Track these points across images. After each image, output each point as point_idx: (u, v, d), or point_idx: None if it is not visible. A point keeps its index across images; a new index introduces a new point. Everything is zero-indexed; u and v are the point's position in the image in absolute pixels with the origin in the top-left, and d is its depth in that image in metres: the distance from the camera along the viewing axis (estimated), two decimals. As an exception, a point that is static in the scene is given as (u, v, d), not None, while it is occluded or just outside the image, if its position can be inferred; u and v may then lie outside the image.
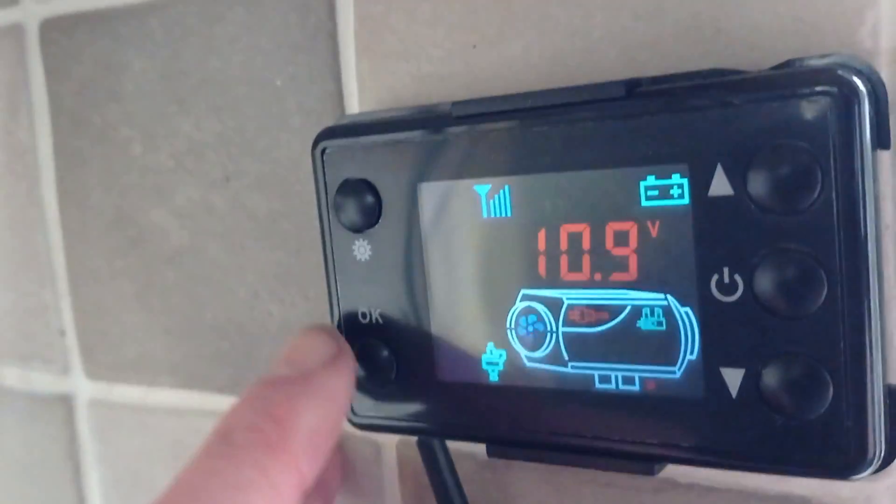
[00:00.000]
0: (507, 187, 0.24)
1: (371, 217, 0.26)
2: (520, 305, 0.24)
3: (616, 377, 0.23)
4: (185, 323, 0.35)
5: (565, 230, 0.23)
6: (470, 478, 0.29)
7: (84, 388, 0.40)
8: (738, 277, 0.21)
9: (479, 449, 0.29)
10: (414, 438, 0.30)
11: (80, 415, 0.40)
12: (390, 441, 0.31)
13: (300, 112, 0.31)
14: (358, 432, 0.31)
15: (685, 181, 0.21)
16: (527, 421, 0.25)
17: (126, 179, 0.36)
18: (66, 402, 0.41)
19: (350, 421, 0.28)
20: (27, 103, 0.39)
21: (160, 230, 0.35)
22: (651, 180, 0.22)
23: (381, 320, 0.27)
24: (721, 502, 0.25)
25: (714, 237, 0.21)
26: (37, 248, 0.40)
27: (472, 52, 0.27)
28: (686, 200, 0.21)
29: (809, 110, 0.20)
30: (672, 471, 0.25)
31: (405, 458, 0.31)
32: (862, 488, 0.23)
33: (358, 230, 0.27)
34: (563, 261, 0.23)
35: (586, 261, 0.23)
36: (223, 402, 0.35)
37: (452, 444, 0.28)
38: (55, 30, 0.37)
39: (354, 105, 0.29)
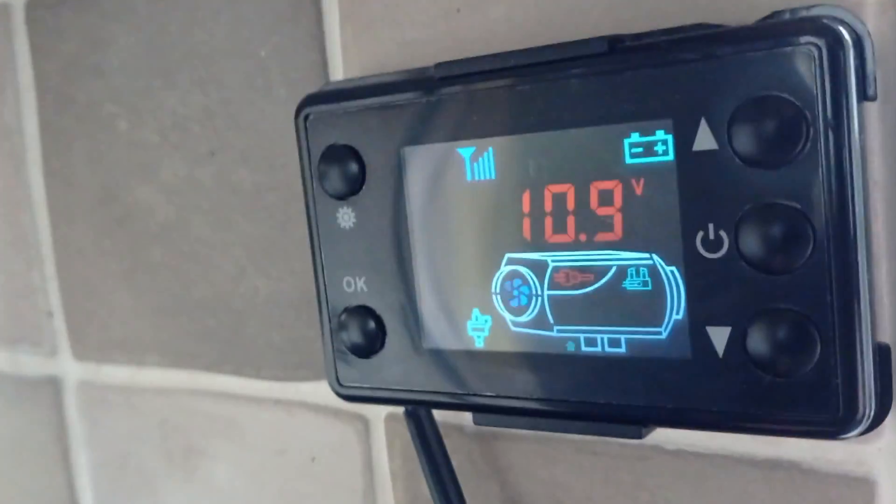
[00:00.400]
0: (490, 149, 0.24)
1: (355, 183, 0.26)
2: (505, 270, 0.24)
3: (602, 340, 0.23)
4: (172, 301, 0.35)
5: (549, 191, 0.23)
6: (458, 450, 0.29)
7: (72, 369, 0.39)
8: (723, 233, 0.20)
9: (467, 421, 0.29)
10: (402, 413, 0.29)
11: (68, 396, 0.40)
12: (378, 416, 0.31)
13: (285, 83, 0.30)
14: (346, 406, 0.31)
15: (669, 137, 0.21)
16: (513, 387, 0.24)
17: (112, 157, 0.35)
18: (54, 384, 0.40)
19: (336, 392, 0.28)
20: (13, 83, 0.38)
21: (146, 207, 0.35)
22: (635, 137, 0.21)
23: (366, 288, 0.26)
24: (709, 468, 0.25)
25: (699, 193, 0.21)
26: (24, 229, 0.39)
27: (455, 16, 0.26)
28: (671, 157, 0.21)
29: (794, 61, 0.19)
30: (659, 437, 0.25)
31: (393, 432, 0.31)
32: (853, 451, 0.22)
33: (342, 197, 0.26)
34: (548, 222, 0.23)
35: (571, 222, 0.23)
36: (210, 381, 0.35)
37: (440, 416, 0.28)
38: (41, 7, 0.37)
39: (339, 74, 0.29)
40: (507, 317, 0.24)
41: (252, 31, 0.31)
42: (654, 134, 0.21)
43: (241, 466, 0.35)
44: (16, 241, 0.40)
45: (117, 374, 0.38)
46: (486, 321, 0.25)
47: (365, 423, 0.31)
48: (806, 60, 0.19)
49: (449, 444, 0.28)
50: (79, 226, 0.37)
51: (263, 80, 0.31)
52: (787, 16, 0.20)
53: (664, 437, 0.25)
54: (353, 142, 0.26)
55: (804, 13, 0.20)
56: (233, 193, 0.32)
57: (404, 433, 0.30)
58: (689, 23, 0.22)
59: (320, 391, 0.32)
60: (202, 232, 0.33)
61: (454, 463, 0.27)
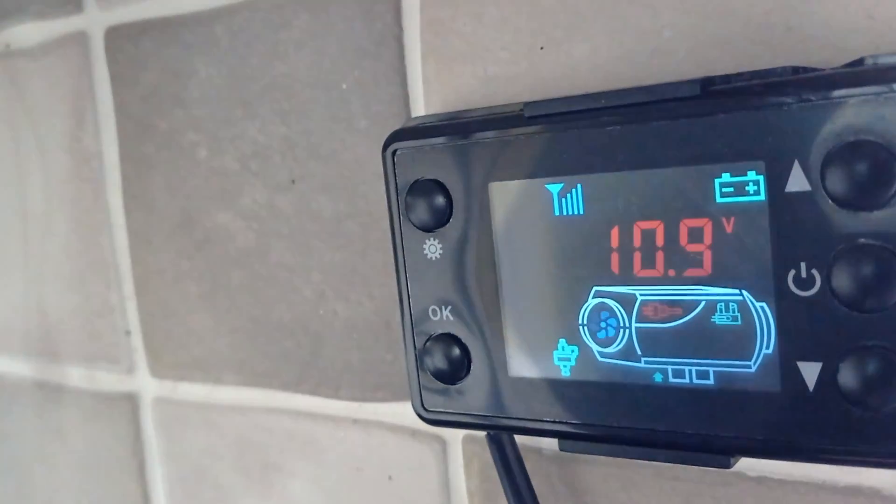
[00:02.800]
0: (579, 186, 0.24)
1: (442, 217, 0.27)
2: (592, 302, 0.25)
3: (690, 371, 0.23)
4: (250, 322, 0.36)
5: (638, 227, 0.24)
6: (537, 472, 0.29)
7: (149, 386, 0.41)
8: (815, 272, 0.21)
9: (545, 443, 0.29)
10: (479, 435, 0.30)
11: (144, 413, 0.41)
12: (455, 436, 0.32)
13: (366, 115, 0.31)
14: (424, 427, 0.32)
15: (761, 178, 0.21)
16: (599, 415, 0.25)
17: (192, 183, 0.37)
18: (131, 401, 0.42)
19: (420, 416, 0.29)
20: (93, 110, 0.40)
21: (226, 232, 0.36)
22: (726, 177, 0.22)
23: (451, 317, 0.27)
24: (791, 495, 0.25)
25: (791, 233, 0.21)
26: (103, 251, 0.41)
27: (538, 53, 0.27)
28: (762, 197, 0.22)
29: (886, 107, 0.20)
30: (741, 464, 0.26)
31: (471, 452, 0.31)
32: (937, 480, 0.23)
33: (429, 229, 0.27)
34: (637, 257, 0.24)
35: (660, 257, 0.23)
36: (288, 400, 0.36)
37: (519, 439, 0.29)
38: (121, 37, 0.38)
39: (420, 108, 0.30)
40: (594, 347, 0.25)
41: (334, 64, 0.32)
42: (745, 174, 0.22)
43: (317, 483, 0.36)
44: (95, 262, 0.41)
45: (194, 391, 0.39)
46: (572, 351, 0.25)
47: (442, 443, 0.32)
48: (898, 106, 0.20)
49: (528, 466, 0.29)
50: (157, 248, 0.38)
51: (345, 112, 0.32)
52: (876, 62, 0.21)
53: (747, 464, 0.26)
54: (440, 176, 0.27)
55: (892, 59, 0.21)
56: (313, 220, 0.33)
57: (482, 454, 0.31)
58: (772, 64, 0.23)
59: (398, 412, 0.33)
60: (282, 257, 0.34)
61: (533, 485, 0.28)
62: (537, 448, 0.30)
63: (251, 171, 0.35)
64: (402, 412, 0.33)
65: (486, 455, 0.31)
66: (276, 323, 0.35)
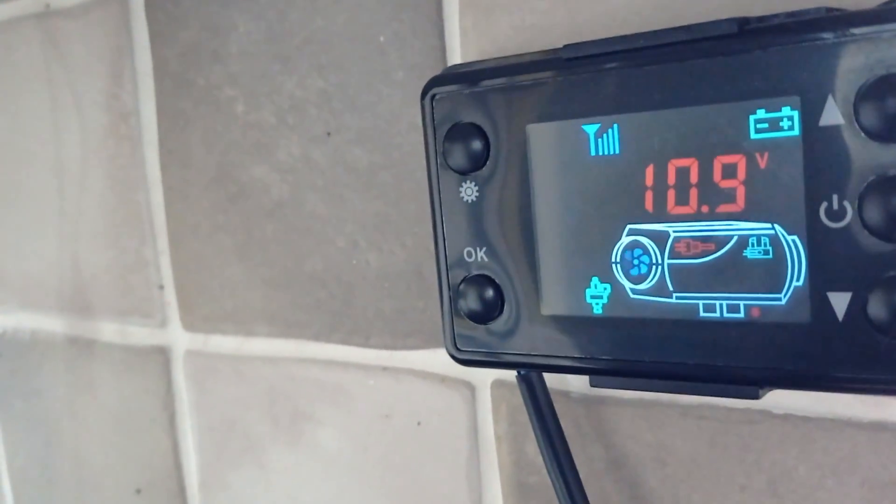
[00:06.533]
0: (615, 125, 0.25)
1: (479, 159, 0.28)
2: (626, 240, 0.25)
3: (721, 306, 0.24)
4: (283, 273, 0.37)
5: (673, 165, 0.24)
6: (564, 414, 0.30)
7: (181, 339, 0.42)
8: (846, 204, 0.22)
9: (573, 386, 0.30)
10: (508, 379, 0.31)
11: (176, 366, 0.42)
12: (484, 382, 0.33)
13: (403, 67, 0.32)
14: (453, 373, 0.33)
15: (796, 113, 0.22)
16: (631, 351, 0.26)
17: (228, 138, 0.37)
18: (163, 354, 0.43)
19: (453, 357, 0.29)
20: (131, 68, 0.41)
21: (261, 185, 0.37)
22: (761, 113, 0.23)
23: (485, 258, 0.28)
24: (816, 431, 0.26)
25: (824, 166, 0.22)
26: (138, 206, 0.42)
27: (576, 2, 0.28)
28: (796, 132, 0.22)
29: (919, 42, 0.21)
30: (767, 401, 0.26)
31: (500, 397, 0.32)
32: (960, 414, 0.24)
33: (465, 172, 0.28)
34: (670, 195, 0.25)
35: (693, 194, 0.24)
36: (319, 349, 0.37)
37: (547, 381, 0.29)
38: (160, -4, 0.39)
39: (457, 59, 0.31)
40: (627, 285, 0.26)
41: (372, 17, 0.32)
42: (779, 110, 0.22)
43: (347, 430, 0.36)
44: (130, 218, 0.42)
45: (226, 343, 0.40)
46: (605, 289, 0.26)
47: (471, 389, 0.33)
48: (931, 41, 0.20)
49: (556, 408, 0.29)
50: (192, 203, 0.39)
51: (382, 64, 0.32)
52: (909, 0, 0.22)
53: (773, 401, 0.26)
54: (478, 120, 0.27)
55: (926, -3, 0.21)
56: (347, 172, 0.34)
57: (510, 398, 0.32)
58: (807, 7, 0.24)
59: (428, 359, 0.34)
60: (316, 208, 0.35)
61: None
62: (565, 391, 0.30)
63: (287, 124, 0.35)
64: (433, 359, 0.33)
65: (514, 399, 0.32)
66: (309, 273, 0.36)
